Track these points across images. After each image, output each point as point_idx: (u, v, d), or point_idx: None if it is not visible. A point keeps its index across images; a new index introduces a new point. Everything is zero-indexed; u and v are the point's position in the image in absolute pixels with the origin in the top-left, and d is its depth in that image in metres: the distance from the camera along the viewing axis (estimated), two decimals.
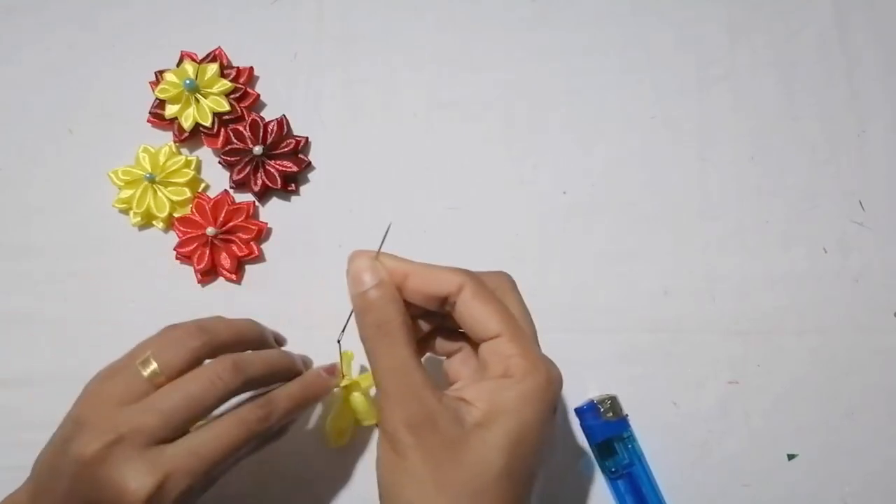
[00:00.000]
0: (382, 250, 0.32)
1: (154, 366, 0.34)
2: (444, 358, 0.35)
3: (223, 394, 0.35)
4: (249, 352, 0.37)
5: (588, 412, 0.44)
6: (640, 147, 0.49)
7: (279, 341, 0.41)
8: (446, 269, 0.32)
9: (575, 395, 0.45)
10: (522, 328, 0.32)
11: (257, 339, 0.39)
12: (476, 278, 0.32)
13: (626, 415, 0.45)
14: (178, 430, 0.33)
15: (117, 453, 0.32)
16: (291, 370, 0.39)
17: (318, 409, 0.46)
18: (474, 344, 0.33)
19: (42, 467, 0.35)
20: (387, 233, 0.33)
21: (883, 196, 0.48)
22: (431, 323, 0.35)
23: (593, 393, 0.45)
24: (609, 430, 0.44)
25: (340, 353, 0.39)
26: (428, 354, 0.36)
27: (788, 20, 0.51)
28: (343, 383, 0.41)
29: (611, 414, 0.44)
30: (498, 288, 0.33)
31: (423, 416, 0.30)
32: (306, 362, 0.41)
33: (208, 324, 0.37)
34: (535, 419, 0.30)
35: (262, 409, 0.35)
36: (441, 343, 0.35)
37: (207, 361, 0.36)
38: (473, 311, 0.32)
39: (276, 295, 0.47)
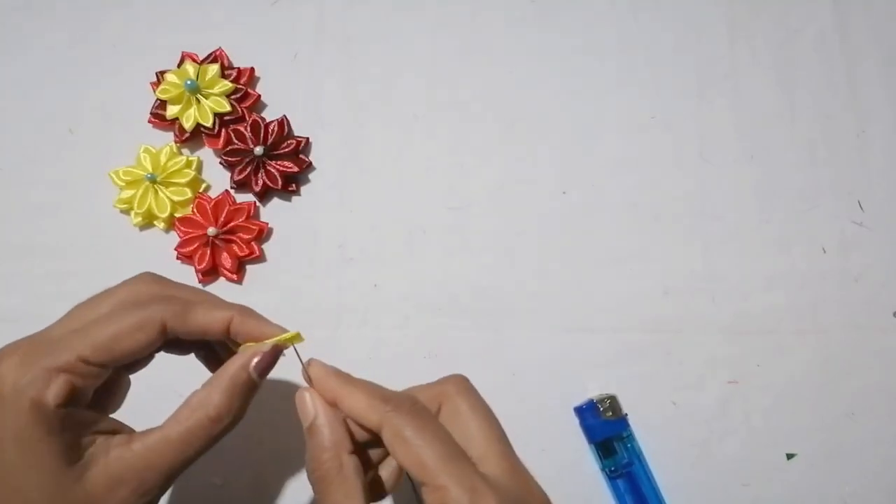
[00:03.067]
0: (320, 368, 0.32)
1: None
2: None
3: (130, 288, 0.32)
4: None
5: (588, 412, 0.44)
6: (640, 147, 0.49)
7: None
8: (368, 399, 0.30)
9: (575, 395, 0.45)
10: (449, 467, 0.28)
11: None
12: (400, 412, 0.29)
13: (626, 414, 0.45)
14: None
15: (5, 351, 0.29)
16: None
17: None
18: None
19: None
20: (297, 352, 0.32)
21: (883, 196, 0.48)
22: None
23: (593, 393, 0.45)
24: (609, 429, 0.44)
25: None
26: None
27: (788, 20, 0.51)
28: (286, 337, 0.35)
29: (610, 413, 0.44)
30: (445, 402, 0.31)
31: None
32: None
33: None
34: None
35: (168, 299, 0.32)
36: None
37: None
38: (396, 454, 0.29)
39: (277, 295, 0.47)
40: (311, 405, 0.32)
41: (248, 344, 0.33)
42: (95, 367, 0.29)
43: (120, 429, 0.31)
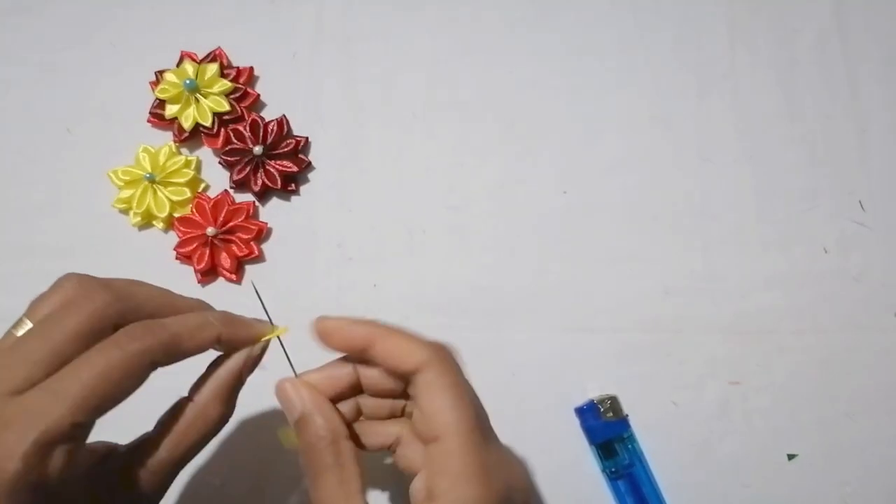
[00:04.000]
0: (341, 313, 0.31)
1: (28, 325, 0.29)
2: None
3: (91, 315, 0.28)
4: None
5: (588, 412, 0.44)
6: (640, 147, 0.49)
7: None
8: (412, 343, 0.30)
9: (575, 395, 0.45)
10: (474, 434, 0.29)
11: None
12: (441, 359, 0.29)
13: (627, 415, 0.45)
14: (42, 377, 0.27)
15: None
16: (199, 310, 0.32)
17: None
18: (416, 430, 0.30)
19: None
20: (264, 306, 0.32)
21: (883, 196, 0.48)
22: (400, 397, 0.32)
23: (593, 393, 0.45)
24: (609, 430, 0.44)
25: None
26: None
27: (788, 20, 0.51)
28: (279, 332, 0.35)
29: (611, 414, 0.44)
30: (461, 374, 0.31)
31: None
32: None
33: (118, 284, 0.31)
34: None
35: (142, 327, 0.28)
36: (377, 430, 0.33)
37: None
38: (426, 399, 0.29)
39: (276, 295, 0.47)
40: (295, 396, 0.31)
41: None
42: (89, 424, 0.28)
43: (106, 450, 0.31)
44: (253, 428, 0.45)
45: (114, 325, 0.29)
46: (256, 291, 0.33)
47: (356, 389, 0.33)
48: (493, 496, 0.28)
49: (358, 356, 0.31)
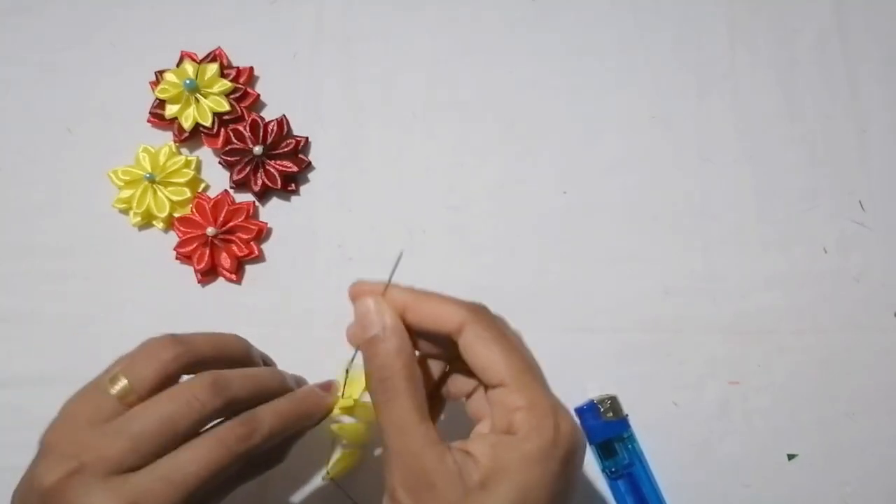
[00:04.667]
0: (390, 280, 0.31)
1: (123, 382, 0.31)
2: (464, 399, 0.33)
3: (200, 415, 0.30)
4: (233, 370, 0.33)
5: (588, 412, 0.44)
6: (640, 147, 0.49)
7: (266, 363, 0.38)
8: (450, 304, 0.30)
9: (575, 396, 0.45)
10: (531, 374, 0.30)
11: (241, 354, 0.35)
12: (481, 315, 0.30)
13: (627, 415, 0.45)
14: (148, 457, 0.29)
15: (77, 483, 0.28)
16: (281, 389, 0.35)
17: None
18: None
19: (14, 497, 0.31)
20: (398, 263, 0.31)
21: (883, 196, 0.48)
22: (448, 358, 0.32)
23: (593, 393, 0.45)
24: (609, 430, 0.44)
25: (345, 380, 0.38)
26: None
27: (788, 20, 0.51)
28: (342, 404, 0.38)
29: (611, 414, 0.44)
30: (507, 328, 0.31)
31: (420, 477, 0.28)
32: (299, 382, 0.37)
33: (184, 336, 0.33)
34: (541, 480, 0.28)
35: (244, 426, 0.31)
36: (455, 384, 0.33)
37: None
38: (475, 355, 0.30)
39: (276, 295, 0.47)
40: (376, 313, 0.31)
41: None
42: None
43: None
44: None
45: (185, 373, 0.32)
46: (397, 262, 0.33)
47: None
48: (563, 434, 0.29)
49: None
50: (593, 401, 0.44)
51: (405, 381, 0.30)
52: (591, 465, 0.45)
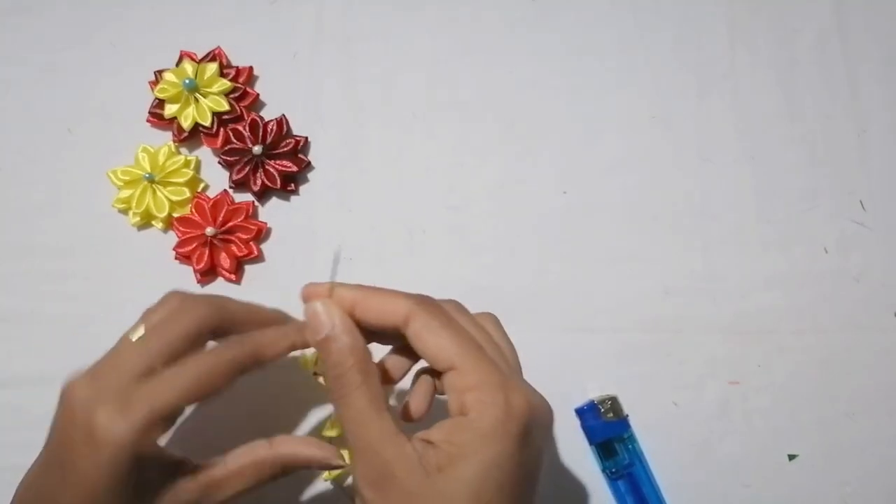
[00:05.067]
0: (332, 279, 0.32)
1: (142, 329, 0.33)
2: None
3: (196, 323, 0.33)
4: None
5: (588, 412, 0.44)
6: (640, 147, 0.49)
7: None
8: (394, 297, 0.31)
9: (575, 396, 0.45)
10: (479, 354, 0.30)
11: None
12: (427, 305, 0.31)
13: (627, 415, 0.45)
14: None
15: (95, 388, 0.31)
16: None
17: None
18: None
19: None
20: (336, 261, 0.33)
21: (883, 196, 0.48)
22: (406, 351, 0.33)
23: (593, 393, 0.45)
24: (609, 430, 0.44)
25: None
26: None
27: (788, 20, 0.51)
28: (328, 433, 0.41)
29: (611, 414, 0.44)
30: (458, 312, 0.32)
31: (381, 469, 0.29)
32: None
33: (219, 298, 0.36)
34: (499, 457, 0.28)
35: (235, 340, 0.34)
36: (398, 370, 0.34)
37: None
38: (424, 343, 0.30)
39: (276, 295, 0.47)
40: (325, 315, 0.32)
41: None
42: (178, 412, 0.32)
43: (179, 459, 0.34)
44: (254, 429, 0.45)
45: (212, 331, 0.34)
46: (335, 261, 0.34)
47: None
48: (515, 408, 0.29)
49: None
50: (593, 401, 0.44)
51: (359, 376, 0.30)
52: (592, 465, 0.45)
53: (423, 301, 0.31)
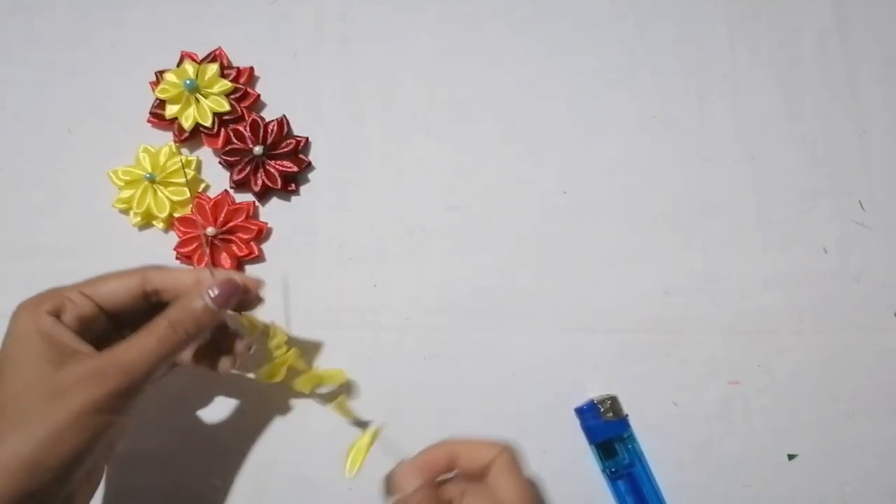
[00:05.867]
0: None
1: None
2: None
3: None
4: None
5: (588, 412, 0.44)
6: (640, 147, 0.49)
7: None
8: (481, 443, 0.36)
9: (575, 396, 0.45)
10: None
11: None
12: (511, 451, 0.36)
13: (627, 415, 0.45)
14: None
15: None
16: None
17: (335, 439, 0.46)
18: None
19: None
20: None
21: (883, 196, 0.48)
22: None
23: (593, 393, 0.45)
24: (609, 430, 0.44)
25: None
26: None
27: (788, 20, 0.51)
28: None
29: (611, 414, 0.44)
30: (493, 468, 0.36)
31: None
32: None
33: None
34: None
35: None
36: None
37: None
38: (503, 482, 0.35)
39: (276, 295, 0.47)
40: (406, 483, 0.36)
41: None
42: (85, 297, 0.37)
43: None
44: (254, 430, 0.45)
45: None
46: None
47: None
48: None
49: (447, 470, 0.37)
50: (593, 401, 0.44)
51: None
52: (592, 465, 0.45)
53: (509, 447, 0.36)
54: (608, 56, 0.51)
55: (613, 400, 0.45)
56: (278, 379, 0.42)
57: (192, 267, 0.40)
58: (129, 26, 0.52)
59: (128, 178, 0.48)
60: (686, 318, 0.47)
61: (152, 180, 0.47)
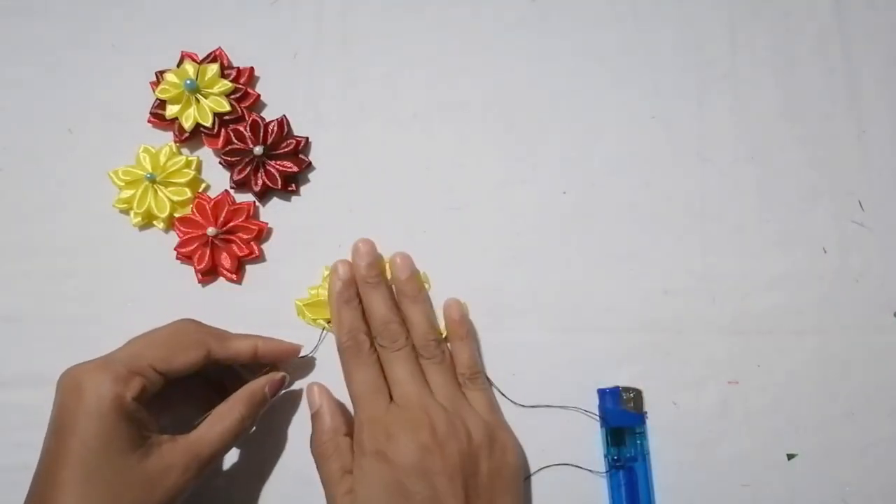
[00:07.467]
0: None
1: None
2: None
3: None
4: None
5: (609, 395, 0.45)
6: (640, 147, 0.49)
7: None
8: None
9: (575, 396, 0.45)
10: None
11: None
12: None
13: (646, 412, 0.45)
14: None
15: (82, 365, 0.38)
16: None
17: None
18: None
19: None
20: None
21: (883, 196, 0.48)
22: None
23: (622, 381, 0.46)
24: (625, 419, 0.44)
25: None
26: None
27: (788, 20, 0.51)
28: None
29: (632, 405, 0.45)
30: None
31: None
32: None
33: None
34: None
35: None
36: None
37: None
38: None
39: (276, 295, 0.47)
40: (317, 396, 0.43)
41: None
42: (159, 375, 0.38)
43: (166, 432, 0.39)
44: (256, 431, 0.45)
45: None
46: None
47: None
48: None
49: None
50: (619, 388, 0.45)
51: (332, 448, 0.41)
52: (592, 465, 0.45)
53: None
54: (608, 56, 0.51)
55: (638, 393, 0.45)
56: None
57: (252, 340, 0.43)
58: (129, 26, 0.52)
59: (128, 178, 0.48)
60: (685, 318, 0.47)
61: (153, 180, 0.47)
